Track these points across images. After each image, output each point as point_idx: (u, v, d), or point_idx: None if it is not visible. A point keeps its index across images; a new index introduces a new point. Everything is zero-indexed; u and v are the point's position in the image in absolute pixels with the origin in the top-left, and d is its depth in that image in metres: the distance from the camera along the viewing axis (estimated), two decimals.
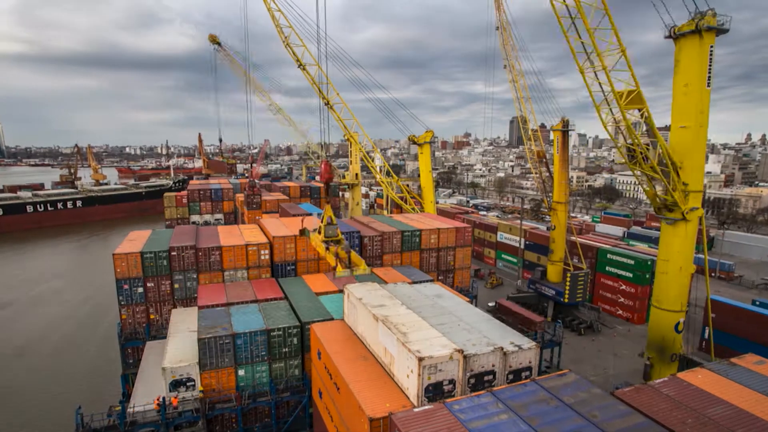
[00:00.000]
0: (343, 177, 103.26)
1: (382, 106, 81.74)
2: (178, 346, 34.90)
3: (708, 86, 39.46)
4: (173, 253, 43.17)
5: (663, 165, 41.50)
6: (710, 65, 39.06)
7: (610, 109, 39.70)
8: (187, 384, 32.67)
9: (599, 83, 39.07)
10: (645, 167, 41.12)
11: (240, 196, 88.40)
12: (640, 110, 40.24)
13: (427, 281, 43.36)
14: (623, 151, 41.82)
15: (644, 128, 41.30)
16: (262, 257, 46.07)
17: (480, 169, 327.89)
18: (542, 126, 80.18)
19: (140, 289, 42.18)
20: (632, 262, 68.36)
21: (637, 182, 40.44)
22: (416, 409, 21.97)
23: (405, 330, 26.81)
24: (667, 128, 43.54)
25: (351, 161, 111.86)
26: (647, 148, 41.07)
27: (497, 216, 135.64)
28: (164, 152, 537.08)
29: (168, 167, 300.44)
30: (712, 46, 38.83)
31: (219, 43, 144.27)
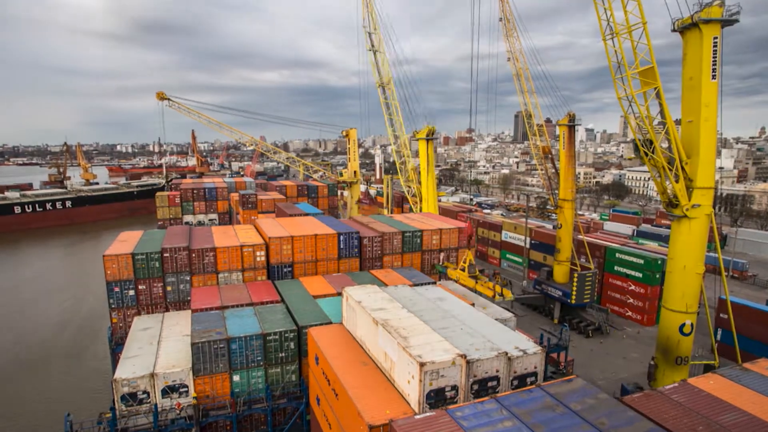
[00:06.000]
0: (341, 174, 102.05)
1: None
2: (171, 351, 33.92)
3: (713, 79, 38.22)
4: (166, 255, 42.10)
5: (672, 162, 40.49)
6: (714, 57, 37.82)
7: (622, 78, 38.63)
8: (180, 390, 31.73)
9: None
10: (654, 159, 39.92)
11: (235, 196, 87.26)
12: (655, 89, 38.90)
13: (428, 283, 42.27)
14: (632, 147, 40.76)
15: (658, 112, 39.91)
16: (258, 259, 44.97)
17: (484, 166, 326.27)
18: (548, 121, 78.73)
19: (131, 292, 41.14)
20: (642, 261, 66.86)
21: (649, 177, 39.36)
22: (417, 416, 21.26)
23: (406, 334, 25.92)
24: (679, 122, 42.53)
25: (350, 158, 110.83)
26: (660, 130, 39.81)
27: (502, 214, 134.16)
28: (156, 150, 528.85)
29: (160, 165, 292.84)
30: (716, 38, 37.61)
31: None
